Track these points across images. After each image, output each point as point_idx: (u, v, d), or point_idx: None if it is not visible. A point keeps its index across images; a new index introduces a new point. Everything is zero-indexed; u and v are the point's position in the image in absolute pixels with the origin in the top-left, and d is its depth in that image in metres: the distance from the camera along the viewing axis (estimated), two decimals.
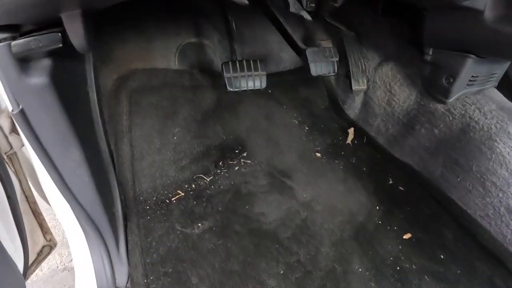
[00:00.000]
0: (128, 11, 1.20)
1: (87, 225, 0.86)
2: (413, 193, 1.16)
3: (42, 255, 1.07)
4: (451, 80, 1.05)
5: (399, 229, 1.05)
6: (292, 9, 1.40)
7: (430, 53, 1.10)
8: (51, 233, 1.10)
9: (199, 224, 1.04)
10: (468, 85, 1.05)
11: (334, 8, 1.39)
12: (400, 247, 1.00)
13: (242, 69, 1.15)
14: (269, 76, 1.43)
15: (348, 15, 1.41)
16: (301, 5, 1.40)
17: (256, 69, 1.14)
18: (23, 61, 0.67)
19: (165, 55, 1.33)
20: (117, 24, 1.20)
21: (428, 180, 1.16)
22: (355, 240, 1.02)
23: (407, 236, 1.03)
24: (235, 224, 1.05)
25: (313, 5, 1.41)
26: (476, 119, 1.05)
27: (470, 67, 1.00)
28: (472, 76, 1.03)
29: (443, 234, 1.03)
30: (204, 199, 1.11)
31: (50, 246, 1.09)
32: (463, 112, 1.07)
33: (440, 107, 1.12)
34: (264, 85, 1.15)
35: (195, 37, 1.38)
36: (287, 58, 1.49)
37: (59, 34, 0.66)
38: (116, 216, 0.98)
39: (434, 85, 1.12)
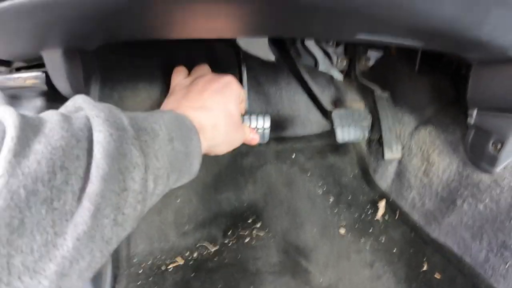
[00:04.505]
0: (141, 56, 1.08)
1: None
2: (452, 282, 0.93)
3: None
4: (499, 146, 0.87)
5: None
6: (322, 67, 1.32)
7: (474, 115, 0.93)
8: None
9: None
10: None
11: (367, 67, 1.28)
12: None
13: None
14: (295, 140, 1.33)
15: (383, 73, 1.29)
16: (331, 63, 1.32)
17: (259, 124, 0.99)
18: (15, 98, 0.63)
19: None
20: (129, 69, 1.06)
21: (470, 267, 0.93)
22: None
23: None
24: None
25: (344, 63, 1.32)
26: None
27: None
28: None
29: None
30: (204, 272, 0.96)
31: None
32: None
33: (485, 178, 0.92)
34: (265, 139, 0.98)
35: None
36: (315, 120, 1.37)
37: (44, 73, 0.60)
38: (103, 278, 0.86)
39: (478, 152, 0.93)
